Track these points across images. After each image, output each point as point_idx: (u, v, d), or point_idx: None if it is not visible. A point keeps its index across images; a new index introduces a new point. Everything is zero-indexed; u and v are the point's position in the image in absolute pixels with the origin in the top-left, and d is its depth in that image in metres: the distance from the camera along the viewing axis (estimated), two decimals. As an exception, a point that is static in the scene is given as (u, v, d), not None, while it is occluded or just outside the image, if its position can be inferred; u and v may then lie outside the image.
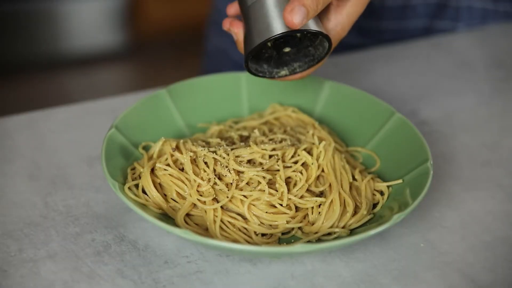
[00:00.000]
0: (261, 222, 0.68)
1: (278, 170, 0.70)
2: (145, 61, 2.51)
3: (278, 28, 0.66)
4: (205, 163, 0.70)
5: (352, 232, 0.68)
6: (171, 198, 0.70)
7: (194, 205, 0.69)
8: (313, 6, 0.66)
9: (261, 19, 0.67)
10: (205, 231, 0.68)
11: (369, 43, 1.09)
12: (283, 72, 0.72)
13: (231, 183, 0.69)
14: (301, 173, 0.70)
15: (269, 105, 0.83)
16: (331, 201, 0.69)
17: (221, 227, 0.67)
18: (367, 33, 1.09)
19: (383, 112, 0.78)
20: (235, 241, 0.67)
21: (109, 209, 0.72)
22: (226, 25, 0.72)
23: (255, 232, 0.68)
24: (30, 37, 2.34)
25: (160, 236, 0.69)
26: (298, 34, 0.70)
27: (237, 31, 0.71)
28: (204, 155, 0.71)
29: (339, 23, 0.71)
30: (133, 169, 0.72)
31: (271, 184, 0.70)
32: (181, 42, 2.51)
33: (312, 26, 0.67)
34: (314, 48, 0.71)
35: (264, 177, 0.69)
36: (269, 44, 0.70)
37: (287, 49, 0.71)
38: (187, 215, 0.69)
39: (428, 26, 1.09)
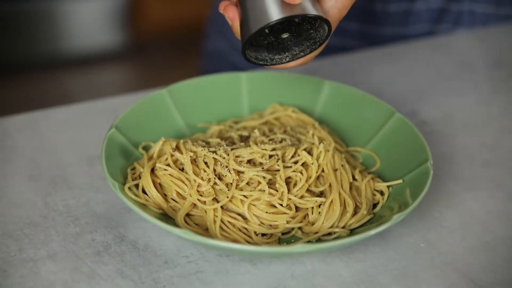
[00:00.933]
0: (261, 222, 0.68)
1: (278, 170, 0.70)
2: (145, 61, 2.51)
3: (275, 14, 0.64)
4: (205, 163, 0.70)
5: (352, 232, 0.68)
6: (171, 198, 0.70)
7: (194, 205, 0.69)
8: None
9: (258, 5, 0.64)
10: (205, 231, 0.68)
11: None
12: (285, 58, 0.69)
13: (231, 183, 0.69)
14: (301, 173, 0.70)
15: (269, 105, 0.83)
16: (331, 201, 0.69)
17: (221, 227, 0.67)
18: (370, 38, 1.09)
19: (383, 112, 0.78)
20: (235, 241, 0.67)
21: (109, 209, 0.72)
22: (221, 8, 0.68)
23: (255, 232, 0.68)
24: (30, 37, 2.34)
25: (160, 236, 0.69)
26: (297, 19, 0.67)
27: (232, 16, 0.67)
28: (204, 155, 0.71)
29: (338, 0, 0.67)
30: (133, 169, 0.72)
31: (271, 184, 0.69)
32: (181, 42, 2.51)
33: (310, 9, 0.64)
34: (315, 30, 0.68)
35: (264, 177, 0.69)
36: (266, 31, 0.68)
37: (285, 35, 0.68)
38: (187, 215, 0.69)
39: (429, 30, 1.09)
